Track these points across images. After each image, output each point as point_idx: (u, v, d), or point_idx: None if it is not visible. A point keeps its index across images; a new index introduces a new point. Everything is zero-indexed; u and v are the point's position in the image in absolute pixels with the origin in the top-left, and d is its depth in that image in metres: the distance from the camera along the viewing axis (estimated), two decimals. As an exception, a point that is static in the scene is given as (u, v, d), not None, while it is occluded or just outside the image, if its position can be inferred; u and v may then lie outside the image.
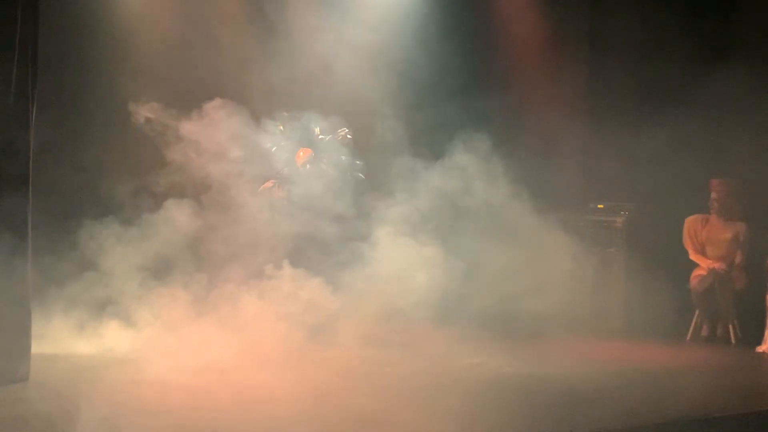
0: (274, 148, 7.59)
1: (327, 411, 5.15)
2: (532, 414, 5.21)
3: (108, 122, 7.52)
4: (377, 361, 6.54)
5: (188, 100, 7.16)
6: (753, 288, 7.60)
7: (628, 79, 8.83)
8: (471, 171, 7.57)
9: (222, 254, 6.92)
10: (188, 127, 6.93)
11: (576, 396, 5.59)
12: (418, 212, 7.36)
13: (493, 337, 7.40)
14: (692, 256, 7.91)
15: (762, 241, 7.64)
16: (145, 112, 6.97)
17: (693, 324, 7.90)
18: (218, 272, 6.89)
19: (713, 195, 7.87)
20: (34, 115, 5.73)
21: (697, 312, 7.89)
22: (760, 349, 7.28)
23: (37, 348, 5.87)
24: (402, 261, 7.07)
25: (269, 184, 7.55)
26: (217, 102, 7.07)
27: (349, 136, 7.76)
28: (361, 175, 7.73)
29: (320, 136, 7.73)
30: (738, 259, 7.76)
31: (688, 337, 7.89)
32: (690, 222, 7.99)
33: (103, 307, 6.74)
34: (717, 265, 7.71)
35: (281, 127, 7.61)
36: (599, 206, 8.74)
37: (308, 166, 7.63)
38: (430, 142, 7.88)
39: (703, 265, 7.80)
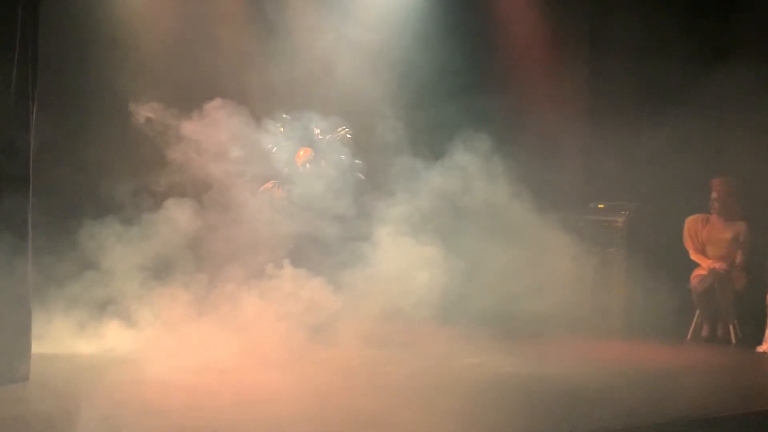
0: (274, 149, 7.58)
1: (327, 411, 5.15)
2: (532, 414, 5.20)
3: (108, 122, 7.52)
4: (378, 360, 6.54)
5: (188, 99, 7.17)
6: (753, 288, 7.60)
7: (629, 78, 8.83)
8: (471, 171, 7.57)
9: (222, 254, 6.92)
10: (188, 127, 6.94)
11: (576, 396, 5.58)
12: (418, 212, 7.36)
13: (494, 337, 7.39)
14: (692, 256, 7.91)
15: (762, 241, 7.64)
16: (145, 111, 6.97)
17: (693, 324, 7.90)
18: (219, 272, 6.89)
19: (713, 195, 7.87)
20: (34, 114, 5.73)
21: (697, 312, 7.89)
22: (761, 348, 7.28)
23: (37, 348, 5.87)
24: (402, 261, 7.06)
25: (269, 185, 7.55)
26: (217, 102, 7.07)
27: (348, 135, 7.75)
28: (361, 175, 7.72)
29: (319, 136, 7.72)
30: (738, 258, 7.76)
31: (689, 337, 7.90)
32: (690, 222, 7.99)
33: (103, 307, 6.74)
34: (717, 265, 7.72)
35: (281, 129, 7.60)
36: (599, 206, 8.74)
37: (308, 165, 7.62)
38: (430, 141, 7.88)
39: (704, 265, 7.80)
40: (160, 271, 6.86)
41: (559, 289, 7.67)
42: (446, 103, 8.13)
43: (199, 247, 6.98)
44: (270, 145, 7.56)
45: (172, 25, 7.79)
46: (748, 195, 7.78)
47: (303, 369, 6.19)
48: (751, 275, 7.69)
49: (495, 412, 5.22)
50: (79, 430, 4.70)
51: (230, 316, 6.65)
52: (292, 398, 5.41)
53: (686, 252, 7.95)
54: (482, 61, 8.79)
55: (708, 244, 7.90)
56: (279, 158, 7.62)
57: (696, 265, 7.88)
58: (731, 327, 7.75)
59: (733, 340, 7.71)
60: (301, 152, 7.68)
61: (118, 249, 6.80)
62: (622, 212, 8.59)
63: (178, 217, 6.87)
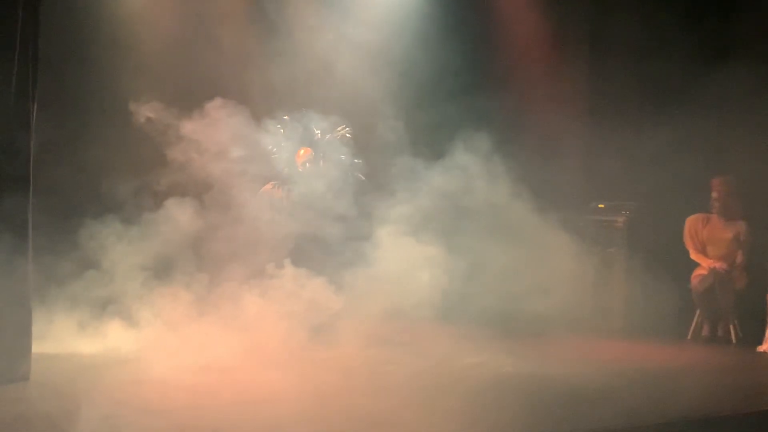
0: (274, 149, 7.58)
1: (328, 410, 5.15)
2: (532, 414, 5.20)
3: (109, 122, 7.51)
4: (378, 360, 6.54)
5: (189, 99, 7.16)
6: (754, 287, 7.60)
7: (629, 78, 8.82)
8: (472, 171, 7.57)
9: (223, 254, 6.92)
10: (189, 127, 6.94)
11: (577, 396, 5.59)
12: (419, 212, 7.35)
13: (494, 337, 7.40)
14: (693, 256, 7.91)
15: (763, 241, 7.64)
16: (145, 111, 6.97)
17: (694, 323, 7.90)
18: (219, 272, 6.89)
19: (714, 194, 7.86)
20: (34, 114, 5.73)
21: (697, 311, 7.89)
22: (761, 348, 7.28)
23: (38, 347, 5.87)
24: (403, 261, 7.06)
25: (269, 186, 7.54)
26: (217, 101, 7.06)
27: (348, 135, 7.75)
28: (361, 176, 7.71)
29: (319, 136, 7.71)
30: (739, 258, 7.76)
31: (689, 337, 7.90)
32: (691, 221, 7.99)
33: (104, 307, 6.74)
34: (718, 265, 7.71)
35: (281, 130, 7.59)
36: (600, 206, 8.74)
37: (307, 164, 7.61)
38: (430, 141, 7.88)
39: (704, 265, 7.80)
40: (161, 270, 6.86)
41: (560, 288, 7.67)
42: (446, 102, 8.13)
43: (199, 247, 6.98)
44: (270, 146, 7.56)
45: (173, 25, 7.79)
46: (749, 194, 7.78)
47: (304, 369, 6.19)
48: (751, 275, 7.69)
49: (495, 412, 5.22)
50: (79, 430, 4.70)
51: (231, 315, 6.65)
52: (293, 398, 5.42)
53: (687, 252, 7.95)
54: (483, 60, 8.80)
55: (708, 244, 7.90)
56: (279, 158, 7.61)
57: (696, 264, 7.88)
58: (732, 327, 7.75)
59: (734, 340, 7.71)
60: (301, 152, 7.67)
61: (119, 249, 6.80)
62: (623, 212, 8.59)
63: (178, 216, 6.88)
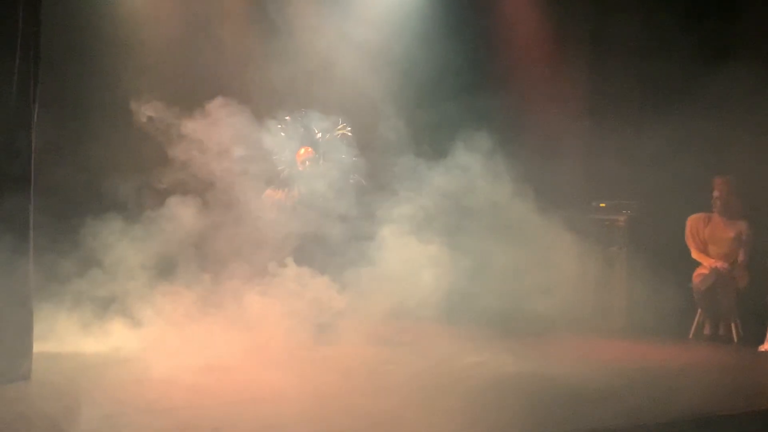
0: (276, 149, 7.57)
1: (330, 410, 5.15)
2: (534, 413, 5.20)
3: (110, 121, 7.51)
4: (380, 359, 6.53)
5: (190, 98, 7.16)
6: (755, 287, 7.60)
7: (630, 78, 8.83)
8: (473, 170, 7.57)
9: (226, 253, 6.92)
10: (191, 126, 6.94)
11: (578, 395, 5.58)
12: (421, 211, 7.35)
13: (495, 336, 7.40)
14: (694, 255, 7.91)
15: (764, 240, 7.63)
16: (147, 110, 6.97)
17: (695, 323, 7.90)
18: (223, 271, 6.89)
19: (715, 193, 7.86)
20: (35, 114, 5.73)
21: (699, 311, 7.89)
22: (763, 348, 7.27)
23: (39, 347, 5.88)
24: (405, 260, 7.06)
25: (270, 192, 7.51)
26: (218, 101, 7.06)
27: (349, 133, 7.74)
28: (360, 178, 7.69)
29: (319, 135, 7.71)
30: (740, 257, 7.75)
31: (691, 336, 7.89)
32: (692, 220, 7.99)
33: (106, 306, 6.75)
34: (719, 264, 7.71)
35: (283, 133, 7.59)
36: (601, 205, 8.74)
37: (308, 163, 7.61)
38: (432, 141, 7.88)
39: (706, 264, 7.79)
40: (164, 270, 6.87)
41: (561, 288, 7.67)
42: (447, 102, 8.12)
43: (202, 246, 6.98)
44: (272, 146, 7.55)
45: (174, 24, 7.80)
46: (750, 194, 7.78)
47: (305, 368, 6.19)
48: (753, 274, 7.68)
49: (496, 412, 5.21)
50: (81, 429, 4.69)
51: (234, 315, 6.65)
52: (294, 397, 5.42)
53: (688, 251, 7.95)
54: (483, 60, 8.79)
55: (710, 243, 7.89)
56: (280, 158, 7.61)
57: (698, 264, 7.87)
58: (733, 326, 7.74)
59: (735, 339, 7.71)
60: (302, 151, 7.66)
61: (120, 248, 6.81)
62: (624, 211, 8.59)
63: (180, 215, 6.88)
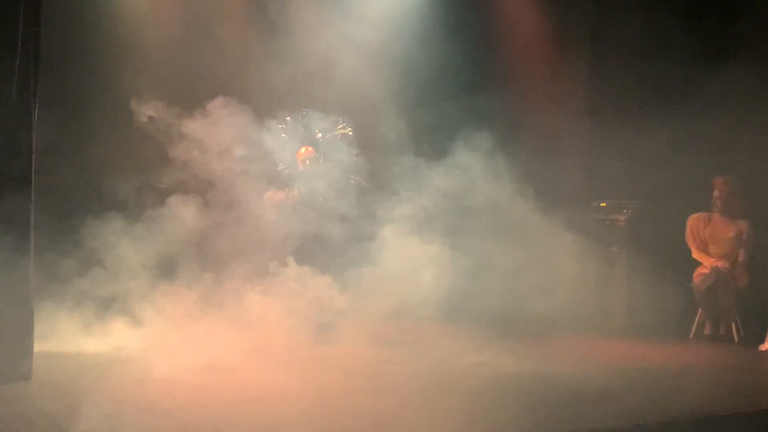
0: (276, 150, 7.57)
1: (330, 410, 5.14)
2: (534, 413, 5.19)
3: (110, 121, 7.52)
4: (381, 359, 6.53)
5: (191, 98, 7.17)
6: (756, 286, 7.60)
7: (630, 78, 8.82)
8: (473, 170, 7.57)
9: (227, 252, 6.93)
10: (191, 126, 6.94)
11: (578, 395, 5.58)
12: (421, 211, 7.36)
13: (496, 336, 7.40)
14: (695, 255, 7.91)
15: (765, 239, 7.64)
16: (147, 110, 6.97)
17: (695, 322, 7.90)
18: (223, 270, 6.90)
19: (716, 193, 7.86)
20: (36, 114, 5.73)
21: (699, 310, 7.89)
22: (763, 347, 7.28)
23: (40, 346, 5.88)
24: (406, 260, 7.06)
25: (271, 194, 7.51)
26: (219, 100, 7.07)
27: (350, 132, 7.74)
28: (361, 179, 7.68)
29: (319, 135, 7.71)
30: (741, 257, 7.75)
31: (691, 336, 7.89)
32: (692, 220, 7.99)
33: (107, 306, 6.75)
34: (720, 264, 7.71)
35: (284, 134, 7.59)
36: (602, 205, 8.74)
37: (308, 162, 7.60)
38: (432, 140, 7.88)
39: (706, 264, 7.80)
40: (165, 269, 6.87)
41: (562, 288, 7.67)
42: (447, 102, 8.12)
43: (203, 246, 6.98)
44: (272, 146, 7.55)
45: (175, 24, 7.80)
46: (750, 193, 7.78)
47: (307, 368, 6.19)
48: (753, 274, 7.69)
49: (496, 412, 5.21)
50: (81, 429, 4.69)
51: (235, 314, 6.66)
52: (296, 397, 5.41)
53: (688, 250, 7.95)
54: (483, 60, 8.79)
55: (710, 243, 7.89)
56: (281, 158, 7.61)
57: (698, 263, 7.87)
58: (733, 325, 7.75)
59: (736, 339, 7.71)
60: (302, 150, 7.66)
61: (121, 248, 6.81)
62: (625, 211, 8.59)
63: (181, 215, 6.88)
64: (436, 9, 8.64)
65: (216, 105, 7.04)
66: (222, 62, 7.80)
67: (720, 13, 8.41)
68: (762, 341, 7.32)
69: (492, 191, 7.58)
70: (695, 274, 7.85)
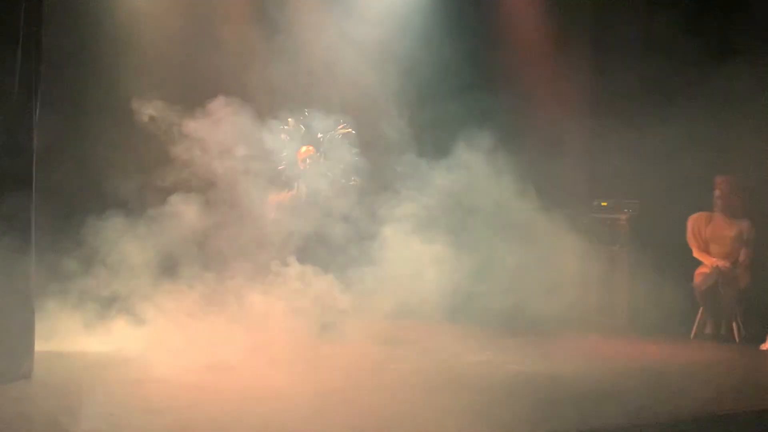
0: (277, 150, 7.57)
1: (333, 408, 5.15)
2: (537, 412, 5.19)
3: (112, 120, 7.51)
4: (384, 358, 6.54)
5: (192, 97, 7.17)
6: (757, 285, 7.60)
7: (632, 76, 8.80)
8: (475, 169, 7.57)
9: (229, 252, 6.93)
10: (192, 125, 6.94)
11: (580, 393, 5.58)
12: (423, 210, 7.36)
13: (499, 335, 7.40)
14: (696, 254, 7.91)
15: (766, 239, 7.63)
16: (149, 110, 6.97)
17: (697, 322, 7.90)
18: (226, 270, 6.90)
19: (717, 192, 7.86)
20: (37, 113, 5.73)
21: (701, 310, 7.88)
22: (764, 346, 7.28)
23: (41, 346, 5.88)
24: (409, 259, 7.06)
25: (274, 197, 7.50)
26: (220, 100, 7.07)
27: (352, 131, 7.73)
28: (360, 179, 7.68)
29: (320, 135, 7.71)
30: (742, 256, 7.75)
31: (692, 335, 7.89)
32: (694, 219, 7.98)
33: (109, 305, 6.75)
34: (721, 263, 7.71)
35: (284, 135, 7.59)
36: (603, 204, 8.73)
37: (308, 161, 7.60)
38: (434, 140, 7.88)
39: (707, 263, 7.79)
40: (167, 268, 6.87)
41: (564, 287, 7.67)
42: (450, 101, 8.13)
43: (205, 245, 6.98)
44: (273, 145, 7.55)
45: (176, 24, 7.79)
46: (752, 193, 7.78)
47: (309, 366, 6.20)
48: (754, 273, 7.69)
49: (500, 410, 5.20)
50: (82, 428, 4.69)
51: (237, 313, 6.66)
52: (298, 396, 5.42)
53: (690, 250, 7.94)
54: (486, 59, 8.78)
55: (712, 242, 7.89)
56: (281, 157, 7.61)
57: (699, 263, 7.87)
58: (735, 325, 7.74)
59: (737, 338, 7.70)
60: (303, 149, 7.66)
61: (123, 247, 6.81)
62: (626, 210, 8.59)
63: (183, 214, 6.88)
64: (438, 8, 8.63)
65: (217, 104, 7.04)
66: (223, 62, 7.79)
67: (722, 12, 8.39)
68: (763, 340, 7.32)
69: (494, 190, 7.57)
70: (696, 273, 7.85)
